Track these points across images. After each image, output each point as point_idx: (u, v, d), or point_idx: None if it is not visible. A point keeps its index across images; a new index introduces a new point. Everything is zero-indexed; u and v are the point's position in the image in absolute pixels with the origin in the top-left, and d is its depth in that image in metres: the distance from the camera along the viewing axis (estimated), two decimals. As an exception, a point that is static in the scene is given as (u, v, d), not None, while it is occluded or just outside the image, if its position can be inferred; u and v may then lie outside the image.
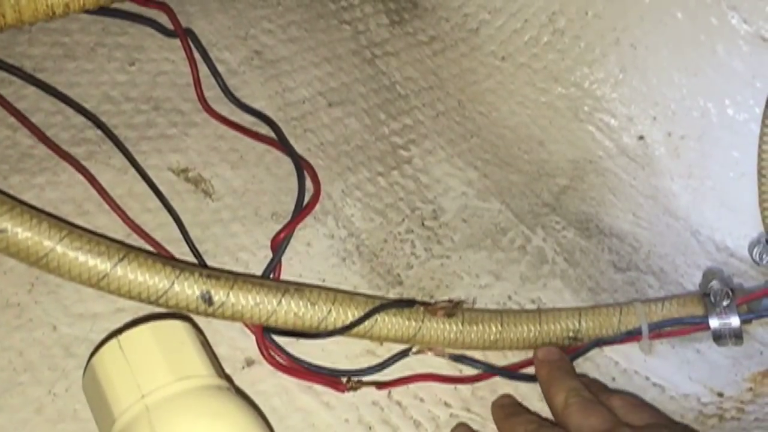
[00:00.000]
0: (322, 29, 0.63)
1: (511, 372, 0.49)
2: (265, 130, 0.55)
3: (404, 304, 0.47)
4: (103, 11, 0.55)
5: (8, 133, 0.50)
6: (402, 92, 0.62)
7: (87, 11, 0.53)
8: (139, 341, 0.39)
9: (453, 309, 0.47)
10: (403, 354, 0.48)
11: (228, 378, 0.43)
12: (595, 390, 0.47)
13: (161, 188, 0.50)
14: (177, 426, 0.36)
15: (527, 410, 0.48)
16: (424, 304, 0.48)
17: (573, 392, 0.45)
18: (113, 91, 0.54)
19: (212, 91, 0.56)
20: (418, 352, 0.48)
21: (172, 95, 0.55)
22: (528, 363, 0.49)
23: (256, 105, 0.57)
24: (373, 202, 0.55)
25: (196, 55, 0.56)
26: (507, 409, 0.47)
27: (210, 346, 0.44)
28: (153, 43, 0.56)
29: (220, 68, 0.57)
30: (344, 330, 0.45)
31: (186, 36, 0.55)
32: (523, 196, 0.60)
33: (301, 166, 0.53)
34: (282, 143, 0.54)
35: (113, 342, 0.39)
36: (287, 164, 0.54)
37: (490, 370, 0.48)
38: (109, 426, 0.37)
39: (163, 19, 0.57)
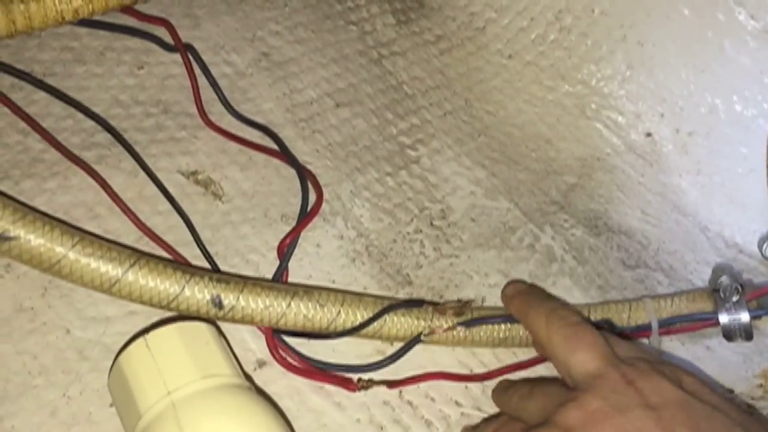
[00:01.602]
0: (329, 30, 0.63)
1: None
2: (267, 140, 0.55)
3: (413, 304, 0.47)
4: (105, 26, 0.55)
5: (19, 138, 0.50)
6: (409, 92, 0.63)
7: (90, 24, 0.54)
8: (165, 340, 0.40)
9: (462, 309, 0.47)
10: (416, 340, 0.47)
11: (249, 378, 0.44)
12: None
13: (171, 191, 0.50)
14: (202, 422, 0.37)
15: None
16: (432, 304, 0.48)
17: (553, 314, 0.43)
18: (122, 95, 0.54)
19: (215, 105, 0.56)
20: (430, 333, 0.47)
21: (180, 98, 0.55)
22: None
23: (264, 107, 0.57)
24: (382, 203, 0.56)
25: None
26: (501, 385, 0.47)
27: (231, 348, 0.44)
28: (161, 47, 0.57)
29: (228, 70, 0.58)
30: (354, 331, 0.45)
31: (186, 52, 0.56)
32: (531, 194, 0.60)
33: (304, 175, 0.53)
34: (284, 153, 0.54)
35: (140, 341, 0.40)
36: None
37: (507, 320, 0.48)
38: (135, 421, 0.38)
39: (164, 33, 0.57)
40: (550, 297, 0.47)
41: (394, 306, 0.47)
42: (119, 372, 0.40)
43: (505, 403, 0.45)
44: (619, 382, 0.39)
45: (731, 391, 0.52)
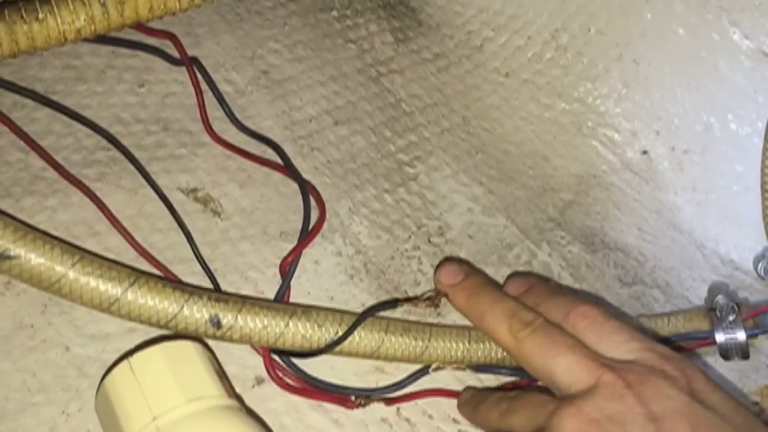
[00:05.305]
0: (328, 48, 0.64)
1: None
2: (271, 153, 0.56)
3: (388, 305, 0.48)
4: (109, 40, 0.56)
5: (20, 155, 0.51)
6: (407, 109, 0.63)
7: (95, 40, 0.54)
8: (149, 362, 0.40)
9: (436, 298, 0.48)
10: (423, 372, 0.48)
11: (239, 397, 0.44)
12: (536, 297, 0.42)
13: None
14: (188, 447, 0.37)
15: (490, 392, 0.45)
16: (407, 299, 0.49)
17: (514, 319, 0.40)
18: (123, 112, 0.55)
19: (219, 118, 0.56)
20: (437, 369, 0.48)
21: (180, 116, 0.56)
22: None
23: (264, 124, 0.57)
24: (380, 220, 0.56)
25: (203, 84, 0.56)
26: (471, 402, 0.45)
27: (221, 366, 0.44)
28: (162, 65, 0.57)
29: (228, 88, 0.58)
30: (334, 345, 0.45)
31: (192, 65, 0.56)
32: (528, 211, 0.60)
33: (307, 190, 0.54)
34: (288, 168, 0.55)
35: (124, 364, 0.40)
36: (295, 183, 0.55)
37: (518, 375, 0.48)
38: None
39: (169, 46, 0.57)
40: (497, 287, 0.44)
41: (371, 309, 0.47)
42: (104, 396, 0.39)
43: (483, 419, 0.43)
44: (616, 388, 0.36)
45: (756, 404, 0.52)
